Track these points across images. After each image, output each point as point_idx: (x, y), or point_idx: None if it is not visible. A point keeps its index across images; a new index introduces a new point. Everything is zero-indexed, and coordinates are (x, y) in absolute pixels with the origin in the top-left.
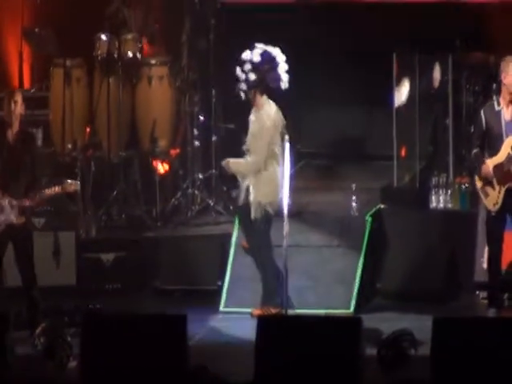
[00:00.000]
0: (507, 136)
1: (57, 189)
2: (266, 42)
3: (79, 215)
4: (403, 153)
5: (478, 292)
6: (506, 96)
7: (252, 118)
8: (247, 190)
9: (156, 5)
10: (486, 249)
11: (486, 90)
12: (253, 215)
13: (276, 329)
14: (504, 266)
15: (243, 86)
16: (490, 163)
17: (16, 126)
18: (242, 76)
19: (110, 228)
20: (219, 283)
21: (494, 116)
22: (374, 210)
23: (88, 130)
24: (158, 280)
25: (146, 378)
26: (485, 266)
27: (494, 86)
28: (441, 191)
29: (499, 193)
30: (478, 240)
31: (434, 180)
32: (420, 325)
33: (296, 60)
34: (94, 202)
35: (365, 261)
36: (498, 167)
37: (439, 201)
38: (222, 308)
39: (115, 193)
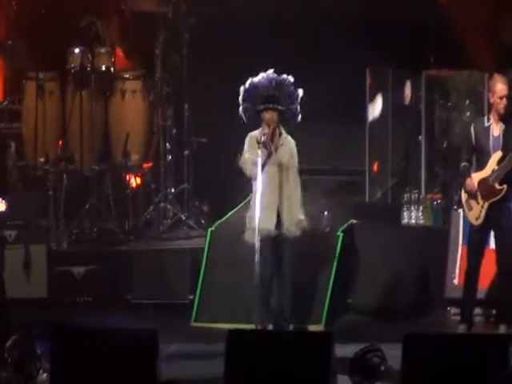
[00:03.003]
0: (494, 151)
1: None
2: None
3: (51, 228)
4: (375, 168)
5: (448, 308)
6: (494, 113)
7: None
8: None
9: (129, 19)
10: (457, 265)
11: (459, 105)
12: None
13: (246, 343)
14: (484, 282)
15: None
16: (476, 178)
17: None
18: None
19: (81, 241)
20: (191, 297)
21: (483, 131)
22: (345, 225)
23: (60, 143)
24: (130, 294)
25: None
26: (455, 282)
27: (467, 102)
28: (413, 207)
29: (482, 207)
30: (449, 256)
31: (405, 196)
32: (391, 341)
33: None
34: (66, 216)
35: (336, 276)
36: (482, 182)
37: (411, 217)
38: (193, 322)
39: (87, 206)
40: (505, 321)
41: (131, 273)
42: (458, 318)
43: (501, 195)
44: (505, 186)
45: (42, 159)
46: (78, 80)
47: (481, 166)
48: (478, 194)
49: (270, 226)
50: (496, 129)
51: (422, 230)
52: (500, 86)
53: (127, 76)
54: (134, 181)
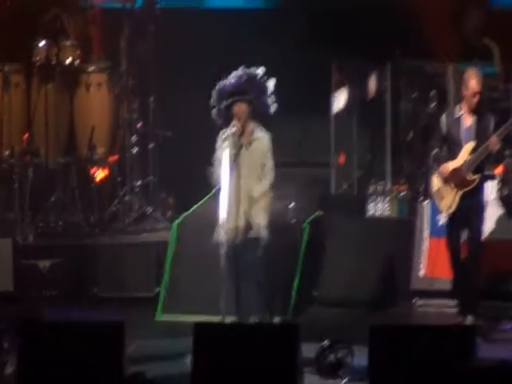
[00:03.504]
0: (466, 142)
1: None
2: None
3: (16, 222)
4: (341, 160)
5: (414, 300)
6: (465, 105)
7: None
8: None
9: (94, 11)
10: (424, 256)
11: (424, 97)
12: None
13: (213, 336)
14: (442, 273)
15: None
16: (449, 167)
17: None
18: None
19: (47, 235)
20: (156, 290)
21: (455, 122)
22: (311, 217)
23: (26, 136)
24: (96, 287)
25: None
26: (422, 273)
27: (432, 92)
28: (378, 199)
29: (455, 197)
30: (415, 247)
31: (371, 188)
32: (357, 332)
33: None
34: (32, 209)
35: (302, 268)
36: (455, 172)
37: (377, 208)
38: (158, 315)
39: (52, 199)
40: (471, 311)
41: (97, 266)
42: (425, 309)
43: (473, 185)
44: (478, 176)
45: (7, 152)
46: (43, 73)
47: (451, 156)
48: (452, 183)
49: (234, 225)
50: (468, 119)
51: (388, 222)
52: (473, 82)
53: (92, 69)
54: (100, 173)
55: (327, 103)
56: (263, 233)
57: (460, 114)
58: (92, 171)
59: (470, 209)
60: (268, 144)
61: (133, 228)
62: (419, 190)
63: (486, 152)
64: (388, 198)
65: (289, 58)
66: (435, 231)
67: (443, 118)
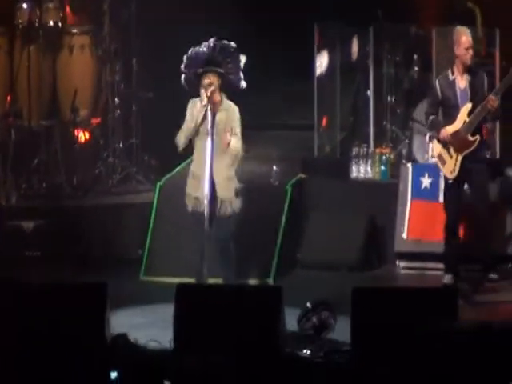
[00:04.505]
0: (462, 104)
1: None
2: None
3: None
4: (324, 123)
5: (397, 262)
6: (459, 66)
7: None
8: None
9: None
10: (406, 219)
11: (407, 60)
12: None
13: (195, 297)
14: (424, 236)
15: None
16: (448, 130)
17: None
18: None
19: (30, 196)
20: (139, 252)
21: (449, 85)
22: (294, 179)
23: (8, 98)
24: (79, 248)
25: (65, 346)
26: (404, 236)
27: (415, 56)
28: (361, 161)
29: (456, 160)
30: (397, 210)
31: (354, 150)
32: (340, 294)
33: (215, 28)
34: (14, 171)
35: (284, 230)
36: (455, 135)
37: (359, 171)
38: (142, 276)
39: (35, 161)
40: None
41: (80, 228)
42: (407, 271)
43: (474, 146)
44: (477, 137)
45: None
46: (25, 35)
47: (448, 119)
48: (451, 147)
49: (200, 194)
50: (462, 81)
51: (371, 184)
52: (465, 38)
53: (75, 31)
54: (83, 136)
55: (310, 66)
56: (229, 209)
57: (454, 77)
58: (75, 133)
59: (472, 170)
60: (236, 114)
61: (116, 189)
62: (402, 152)
63: (485, 112)
64: (371, 161)
65: (272, 21)
66: (418, 194)
67: (436, 82)
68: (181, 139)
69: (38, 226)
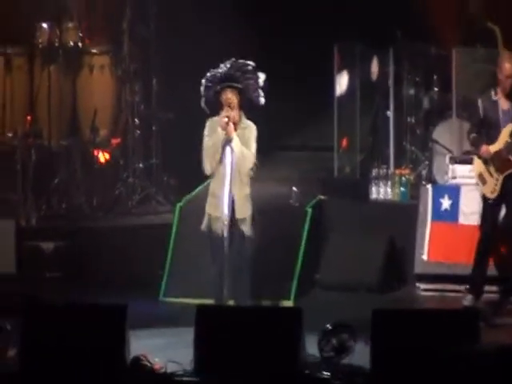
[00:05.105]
0: (504, 125)
1: None
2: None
3: (19, 204)
4: (344, 144)
5: (417, 284)
6: (500, 88)
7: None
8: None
9: None
10: (426, 240)
11: (427, 81)
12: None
13: (215, 319)
14: (445, 257)
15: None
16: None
17: None
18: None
19: (50, 217)
20: (160, 273)
21: (492, 105)
22: (314, 200)
23: (29, 118)
24: (99, 269)
25: (85, 367)
26: (424, 257)
27: (435, 76)
28: (381, 183)
29: (497, 180)
30: (417, 232)
31: (374, 171)
32: (359, 316)
33: (236, 48)
34: (35, 191)
35: (304, 251)
36: (496, 154)
37: (379, 192)
38: (161, 297)
39: (55, 182)
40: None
41: (100, 249)
42: (427, 293)
43: None
44: None
45: (10, 134)
46: (46, 55)
47: (489, 140)
48: (492, 166)
49: (220, 214)
50: (504, 103)
51: (391, 206)
52: (508, 65)
53: (95, 51)
54: (103, 156)
55: (330, 87)
56: (247, 228)
57: (497, 97)
58: (95, 153)
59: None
60: (253, 132)
61: (136, 210)
62: (422, 173)
63: None
64: (391, 182)
65: (294, 40)
66: (438, 215)
67: (479, 102)
68: (207, 167)
69: (58, 246)
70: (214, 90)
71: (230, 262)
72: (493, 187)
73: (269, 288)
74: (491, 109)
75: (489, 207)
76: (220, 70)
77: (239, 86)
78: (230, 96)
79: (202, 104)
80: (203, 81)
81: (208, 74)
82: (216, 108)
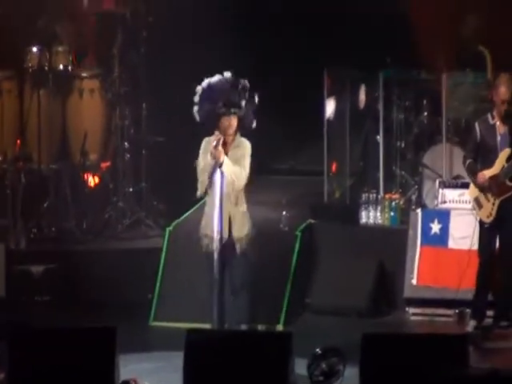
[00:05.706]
0: (501, 149)
1: None
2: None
3: (9, 227)
4: (334, 168)
5: (407, 308)
6: (497, 112)
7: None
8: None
9: (87, 17)
10: (416, 265)
11: (416, 105)
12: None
13: (205, 343)
14: (434, 282)
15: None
16: (486, 174)
17: None
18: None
19: (39, 240)
20: (149, 296)
21: (489, 129)
22: (304, 225)
23: (18, 142)
24: (89, 293)
25: None
26: (414, 282)
27: (425, 101)
28: (371, 207)
29: (493, 204)
30: (407, 256)
31: (364, 196)
32: (349, 340)
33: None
34: (24, 215)
35: (294, 276)
36: (492, 179)
37: (369, 217)
38: (151, 322)
39: (45, 205)
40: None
41: (89, 272)
42: (417, 318)
43: None
44: None
45: None
46: (35, 79)
47: (486, 163)
48: (489, 191)
49: (216, 235)
50: (502, 127)
51: (381, 230)
52: (503, 90)
53: (85, 75)
54: (92, 180)
55: (320, 111)
56: (244, 247)
57: (494, 121)
58: (85, 177)
59: (509, 216)
60: (247, 149)
61: (125, 235)
62: (411, 198)
63: None
64: (380, 207)
65: (283, 64)
66: (427, 240)
67: (476, 126)
68: (199, 187)
69: (48, 270)
70: (217, 112)
71: (228, 284)
72: (489, 211)
73: (259, 312)
74: (489, 133)
75: (485, 231)
76: (218, 85)
77: (241, 113)
78: (233, 122)
79: (194, 112)
80: (199, 89)
81: (203, 84)
82: (210, 123)
